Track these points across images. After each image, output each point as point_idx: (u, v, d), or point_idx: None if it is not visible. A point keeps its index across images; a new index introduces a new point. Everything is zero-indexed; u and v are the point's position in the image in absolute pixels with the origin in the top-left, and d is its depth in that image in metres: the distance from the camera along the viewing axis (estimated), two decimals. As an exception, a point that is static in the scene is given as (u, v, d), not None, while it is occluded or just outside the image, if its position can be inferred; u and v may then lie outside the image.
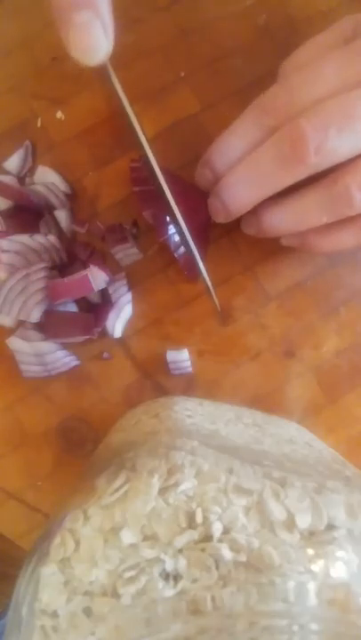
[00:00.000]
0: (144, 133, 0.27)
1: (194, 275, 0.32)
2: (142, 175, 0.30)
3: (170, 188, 0.29)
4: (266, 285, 0.34)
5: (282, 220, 0.28)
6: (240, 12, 0.35)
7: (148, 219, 0.30)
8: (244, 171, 0.27)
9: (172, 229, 0.29)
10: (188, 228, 0.30)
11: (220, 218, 0.30)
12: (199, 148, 0.34)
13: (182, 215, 0.29)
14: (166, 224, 0.29)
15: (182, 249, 0.30)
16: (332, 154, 0.25)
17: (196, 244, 0.30)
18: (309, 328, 0.33)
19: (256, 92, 0.34)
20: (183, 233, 0.29)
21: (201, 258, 0.30)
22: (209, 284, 0.31)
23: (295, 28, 0.35)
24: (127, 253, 0.33)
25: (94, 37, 0.20)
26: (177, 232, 0.30)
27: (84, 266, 0.32)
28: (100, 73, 0.26)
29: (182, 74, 0.35)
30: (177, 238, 0.30)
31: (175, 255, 0.30)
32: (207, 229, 0.32)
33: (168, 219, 0.30)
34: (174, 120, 0.34)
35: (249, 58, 0.35)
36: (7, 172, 0.34)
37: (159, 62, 0.35)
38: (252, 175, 0.27)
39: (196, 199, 0.31)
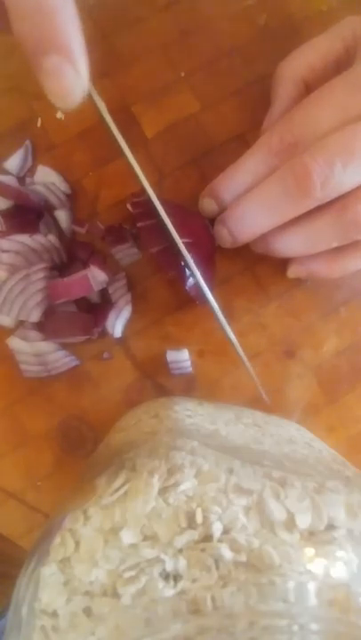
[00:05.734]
0: (144, 176, 0.27)
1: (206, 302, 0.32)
2: (145, 210, 0.30)
3: (172, 221, 0.28)
4: (266, 285, 0.34)
5: (292, 244, 0.29)
6: (240, 11, 0.35)
7: (155, 255, 0.30)
8: (250, 203, 0.28)
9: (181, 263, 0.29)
10: (195, 258, 0.29)
11: (227, 245, 0.31)
12: (199, 147, 0.34)
13: (188, 245, 0.29)
14: (174, 259, 0.29)
15: (191, 280, 0.30)
16: (338, 187, 0.26)
17: (204, 271, 0.30)
18: (309, 328, 0.33)
19: (256, 92, 0.34)
20: (190, 265, 0.29)
21: (210, 287, 0.30)
22: (228, 329, 0.30)
23: (295, 28, 0.35)
24: (127, 253, 0.33)
25: (66, 82, 0.19)
26: (185, 266, 0.29)
27: (84, 266, 0.32)
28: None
29: (182, 74, 0.35)
30: (187, 272, 0.29)
31: (186, 288, 0.30)
32: (213, 254, 0.32)
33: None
34: (174, 120, 0.34)
35: (249, 58, 0.35)
36: (7, 172, 0.34)
37: (159, 62, 0.35)
38: (259, 208, 0.28)
39: (200, 227, 0.31)
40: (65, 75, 0.19)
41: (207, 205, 0.31)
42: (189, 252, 0.29)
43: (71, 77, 0.19)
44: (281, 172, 0.26)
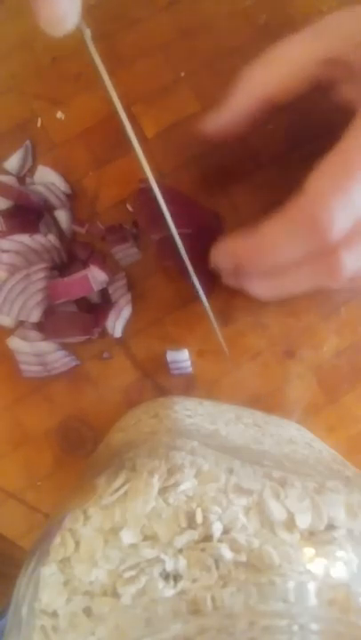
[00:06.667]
0: (146, 162, 0.26)
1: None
2: (151, 198, 0.30)
3: (176, 210, 0.28)
4: (266, 285, 0.34)
5: (265, 290, 0.29)
6: (240, 11, 0.35)
7: (154, 243, 0.30)
8: (274, 281, 0.28)
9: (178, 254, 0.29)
10: (195, 250, 0.29)
11: (230, 283, 0.30)
12: (199, 148, 0.34)
13: (188, 236, 0.29)
14: (173, 249, 0.29)
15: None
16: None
17: (205, 263, 0.30)
18: (309, 328, 0.33)
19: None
20: (181, 253, 0.29)
21: (213, 279, 0.30)
22: (211, 317, 0.31)
23: (295, 28, 0.35)
24: (127, 253, 0.33)
25: (60, 8, 0.19)
26: (183, 259, 0.29)
27: (84, 266, 0.32)
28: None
29: (182, 74, 0.35)
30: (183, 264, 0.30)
31: (188, 281, 0.29)
32: None
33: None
34: (174, 120, 0.34)
35: (249, 58, 0.35)
36: (7, 172, 0.34)
37: (159, 62, 0.35)
38: (281, 284, 0.27)
39: (205, 220, 0.31)
40: (58, 1, 0.19)
41: (223, 260, 0.29)
42: (189, 242, 0.29)
43: (65, 4, 0.19)
44: (315, 261, 0.25)
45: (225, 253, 0.28)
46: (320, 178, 0.23)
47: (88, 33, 0.22)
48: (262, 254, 0.26)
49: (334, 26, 0.25)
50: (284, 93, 0.27)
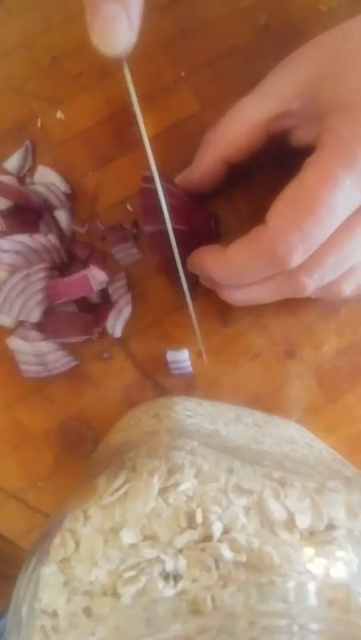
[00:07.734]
0: (152, 147, 0.27)
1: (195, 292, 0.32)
2: (151, 189, 0.30)
3: (176, 205, 0.28)
4: (266, 285, 0.34)
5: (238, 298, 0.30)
6: (240, 11, 0.35)
7: (148, 235, 0.30)
8: (243, 292, 0.29)
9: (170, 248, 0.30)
10: (189, 247, 0.30)
11: (206, 285, 0.31)
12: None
13: (183, 232, 0.29)
14: (162, 244, 0.29)
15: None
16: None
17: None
18: (309, 328, 0.33)
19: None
20: (180, 255, 0.29)
21: (195, 284, 0.31)
22: (193, 314, 0.31)
23: (295, 28, 0.35)
24: (127, 253, 0.33)
25: (117, 30, 0.20)
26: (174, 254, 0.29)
27: (84, 266, 0.32)
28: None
29: (182, 74, 0.35)
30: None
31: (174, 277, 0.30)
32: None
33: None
34: (174, 120, 0.34)
35: (249, 58, 0.35)
36: (7, 172, 0.34)
37: (159, 62, 0.35)
38: (250, 295, 0.29)
39: (202, 220, 0.31)
40: (118, 23, 0.20)
41: (195, 271, 0.30)
42: (183, 238, 0.29)
43: (123, 28, 0.21)
44: (279, 281, 0.27)
45: (196, 266, 0.30)
46: (280, 215, 0.25)
47: (128, 74, 0.24)
48: (228, 275, 0.28)
49: (274, 87, 0.28)
50: (241, 153, 0.29)
